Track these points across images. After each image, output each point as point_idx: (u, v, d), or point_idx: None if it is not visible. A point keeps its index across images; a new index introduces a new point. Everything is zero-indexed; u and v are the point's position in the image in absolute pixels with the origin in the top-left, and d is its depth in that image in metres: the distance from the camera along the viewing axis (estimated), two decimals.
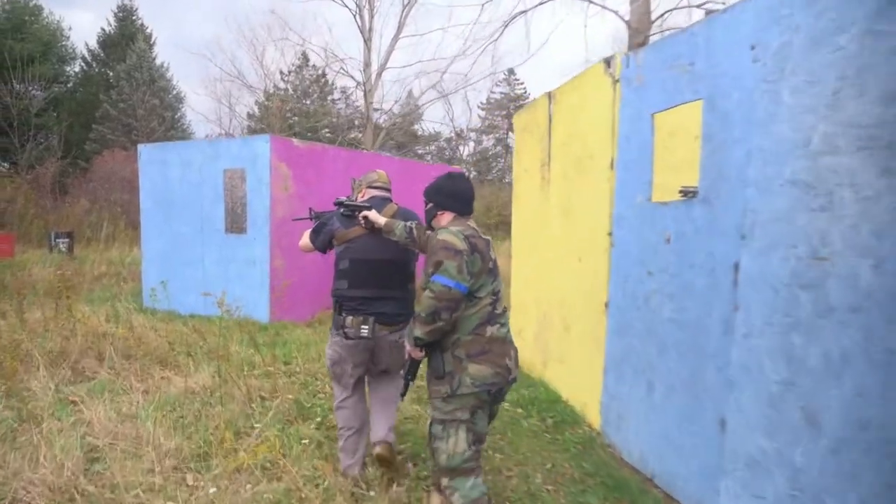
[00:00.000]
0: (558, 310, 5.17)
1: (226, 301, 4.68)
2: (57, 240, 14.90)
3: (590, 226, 4.54)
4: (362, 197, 3.76)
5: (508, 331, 2.90)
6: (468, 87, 13.01)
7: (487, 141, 44.34)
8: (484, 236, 2.91)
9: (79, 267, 12.37)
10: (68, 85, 33.37)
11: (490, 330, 2.76)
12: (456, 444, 2.75)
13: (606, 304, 4.24)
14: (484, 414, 2.84)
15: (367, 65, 12.48)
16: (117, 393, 4.58)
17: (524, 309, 6.15)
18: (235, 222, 8.40)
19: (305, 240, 3.77)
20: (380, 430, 3.45)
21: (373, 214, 3.31)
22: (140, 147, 9.35)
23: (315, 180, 8.70)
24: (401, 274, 3.40)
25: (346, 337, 3.28)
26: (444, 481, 2.81)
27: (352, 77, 12.66)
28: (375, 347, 3.33)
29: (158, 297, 8.60)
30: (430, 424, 2.87)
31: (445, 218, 2.96)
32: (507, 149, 44.87)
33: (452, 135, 34.48)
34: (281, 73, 33.91)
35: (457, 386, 2.72)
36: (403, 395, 3.07)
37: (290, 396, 4.72)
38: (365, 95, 12.63)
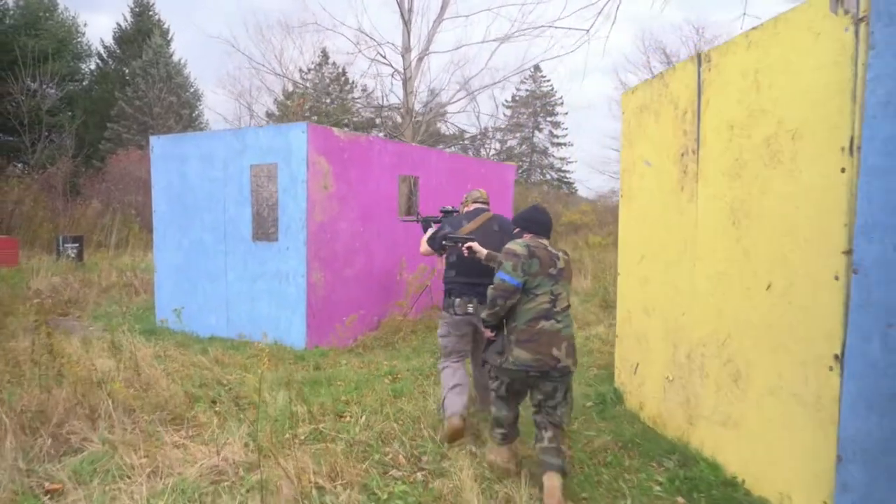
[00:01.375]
0: (716, 351, 3.75)
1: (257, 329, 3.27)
2: (65, 245, 13.69)
3: (794, 238, 3.11)
4: (468, 209, 4.80)
5: (566, 326, 3.56)
6: (496, 84, 11.70)
7: (512, 140, 42.87)
8: (551, 250, 3.65)
9: (86, 276, 11.11)
10: (83, 83, 32.43)
11: (544, 324, 3.46)
12: (497, 386, 3.70)
13: (840, 358, 2.81)
14: (523, 385, 3.61)
15: (407, 49, 11.16)
16: (112, 476, 3.23)
17: (642, 341, 4.74)
18: (264, 228, 7.07)
19: (425, 245, 4.76)
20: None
21: (476, 246, 4.19)
22: (153, 139, 8.04)
23: (360, 178, 7.34)
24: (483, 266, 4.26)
25: (455, 313, 4.39)
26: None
27: (389, 64, 11.42)
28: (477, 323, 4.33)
29: (172, 319, 7.29)
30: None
31: (526, 237, 3.75)
32: (534, 147, 43.39)
33: (478, 133, 33.03)
34: (300, 70, 32.72)
35: (503, 362, 3.50)
36: (484, 365, 4.11)
37: (358, 478, 3.35)
38: (404, 84, 11.33)
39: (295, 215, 6.75)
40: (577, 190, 43.34)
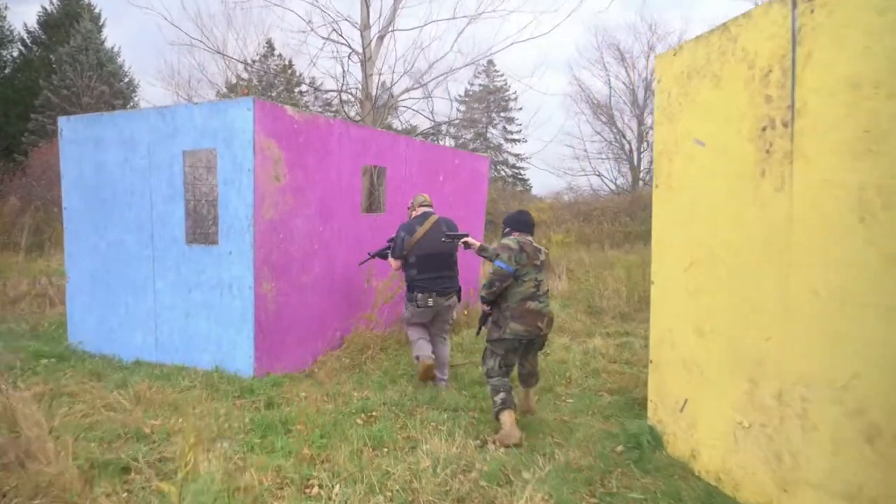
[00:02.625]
0: (832, 395, 2.73)
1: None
2: None
3: None
4: (416, 214, 5.71)
5: (546, 305, 4.61)
6: (453, 72, 10.55)
7: (466, 135, 41.88)
8: (536, 245, 4.66)
9: None
10: (5, 70, 29.75)
11: (531, 304, 4.49)
12: (493, 365, 4.55)
13: None
14: (514, 354, 4.58)
15: (367, 26, 9.88)
16: None
17: (692, 370, 3.71)
18: (202, 228, 5.77)
19: (395, 262, 5.63)
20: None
21: (470, 240, 4.96)
22: (61, 121, 6.59)
23: (318, 167, 6.11)
24: (449, 261, 5.53)
25: (417, 306, 5.40)
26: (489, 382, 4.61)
27: (346, 43, 10.11)
28: (438, 310, 5.48)
29: (88, 338, 5.92)
30: (483, 353, 4.78)
31: (514, 235, 4.69)
32: (488, 143, 42.52)
33: (431, 127, 31.87)
34: (245, 63, 30.86)
35: (502, 333, 4.51)
36: (478, 332, 5.12)
37: None
38: (363, 65, 10.08)
39: (239, 212, 5.48)
40: (531, 187, 42.74)
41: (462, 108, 40.94)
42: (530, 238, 4.65)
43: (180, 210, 5.84)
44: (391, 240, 5.68)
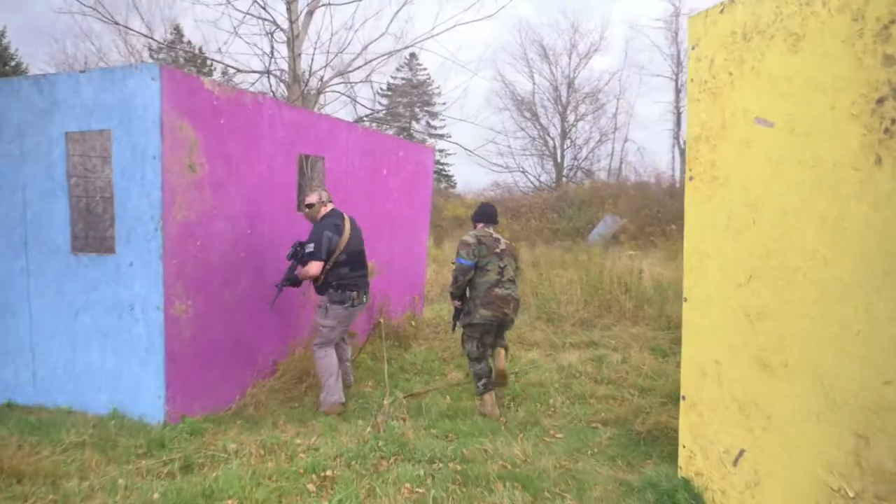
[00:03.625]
0: None
1: None
2: None
3: None
4: (325, 211, 5.05)
5: (512, 291, 4.95)
6: (378, 59, 9.53)
7: (389, 130, 40.68)
8: (495, 235, 5.01)
9: None
10: None
11: (497, 290, 4.84)
12: (471, 347, 4.96)
13: None
14: (489, 335, 4.98)
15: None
16: None
17: (751, 413, 2.89)
18: (95, 233, 4.52)
19: (315, 265, 4.78)
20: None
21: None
22: None
23: (244, 156, 4.96)
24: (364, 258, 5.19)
25: (352, 305, 4.94)
26: (469, 364, 5.06)
27: (271, 19, 8.80)
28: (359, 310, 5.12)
29: None
30: (462, 338, 5.18)
31: (478, 226, 5.11)
32: (411, 138, 41.50)
33: (354, 121, 30.53)
34: (150, 50, 28.39)
35: (472, 319, 4.92)
36: (454, 329, 5.61)
37: None
38: (290, 43, 8.83)
39: (142, 212, 4.27)
40: (456, 184, 42.12)
41: (384, 101, 39.75)
42: (490, 229, 5.07)
43: (63, 209, 4.54)
44: (295, 253, 4.97)
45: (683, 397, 3.37)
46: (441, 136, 42.24)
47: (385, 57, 10.12)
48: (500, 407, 4.88)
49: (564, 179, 36.67)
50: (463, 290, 5.03)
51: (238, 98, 4.91)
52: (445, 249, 16.01)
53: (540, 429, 4.45)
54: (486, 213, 5.18)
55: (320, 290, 4.96)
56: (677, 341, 6.98)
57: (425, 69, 41.32)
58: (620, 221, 23.74)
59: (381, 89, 40.78)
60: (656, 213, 23.86)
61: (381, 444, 3.95)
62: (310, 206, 4.98)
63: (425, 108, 42.15)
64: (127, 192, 4.33)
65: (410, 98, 41.27)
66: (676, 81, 35.42)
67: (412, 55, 39.52)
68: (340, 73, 9.86)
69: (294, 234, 5.64)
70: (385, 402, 4.65)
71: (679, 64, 35.22)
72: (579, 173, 38.14)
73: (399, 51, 9.89)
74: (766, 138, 2.81)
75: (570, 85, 39.01)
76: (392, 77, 40.88)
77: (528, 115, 38.94)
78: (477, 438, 4.17)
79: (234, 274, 4.88)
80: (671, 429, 4.15)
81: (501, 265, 4.88)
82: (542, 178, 38.39)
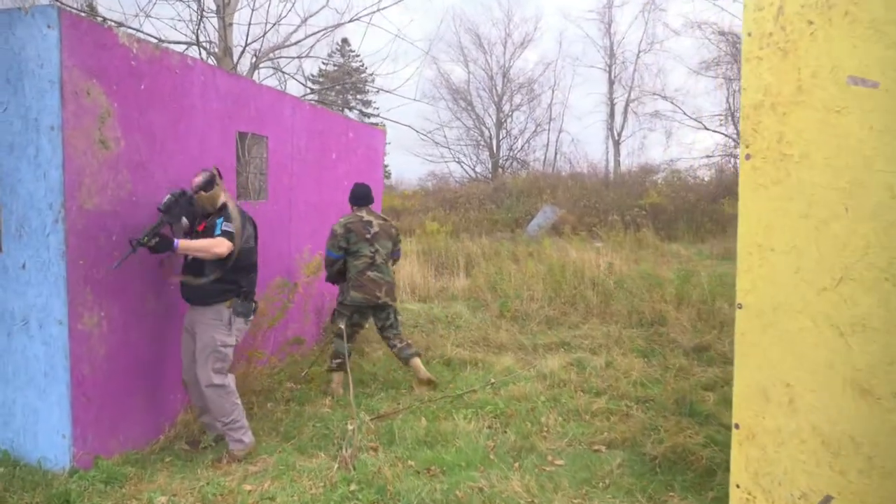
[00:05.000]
0: None
1: None
2: None
3: None
4: (223, 201, 3.86)
5: (386, 274, 5.03)
6: (306, 40, 8.59)
7: None
8: (366, 219, 5.05)
9: None
10: None
11: (370, 273, 4.94)
12: (339, 324, 4.93)
13: None
14: (361, 316, 5.14)
15: None
16: None
17: (844, 453, 2.31)
18: None
19: (224, 243, 3.61)
20: None
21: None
22: None
23: (172, 130, 4.04)
24: None
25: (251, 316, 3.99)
26: (333, 341, 5.14)
27: None
28: None
29: None
30: (333, 314, 5.47)
31: (353, 210, 5.20)
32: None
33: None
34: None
35: (344, 300, 5.05)
36: (332, 320, 5.60)
37: None
38: (220, 10, 7.76)
39: (38, 198, 3.31)
40: (390, 174, 41.13)
41: (315, 87, 38.23)
42: (362, 213, 5.12)
43: None
44: (174, 204, 3.69)
45: (737, 426, 2.76)
46: (374, 125, 41.11)
47: (329, 30, 9.18)
48: (487, 428, 4.19)
49: (500, 170, 36.39)
50: (335, 277, 5.17)
51: (163, 59, 3.97)
52: None
53: (537, 455, 3.78)
54: (358, 195, 5.20)
55: (205, 293, 3.70)
56: (657, 340, 6.53)
57: (358, 56, 40.04)
58: (559, 212, 23.55)
59: (313, 75, 39.28)
60: (594, 204, 23.85)
61: (353, 488, 3.18)
62: (205, 187, 3.71)
63: (358, 97, 40.91)
64: (16, 172, 3.35)
65: (343, 85, 39.90)
66: (610, 73, 35.68)
67: (344, 40, 38.20)
68: (277, 48, 8.86)
69: None
70: (350, 427, 3.87)
71: (612, 55, 35.50)
72: (515, 164, 37.99)
73: (342, 24, 8.99)
74: (866, 102, 2.21)
75: (504, 75, 38.72)
76: (324, 62, 39.41)
77: (463, 104, 38.42)
78: (466, 472, 3.46)
79: (160, 277, 3.96)
80: (691, 452, 3.57)
81: (372, 250, 4.96)
82: (477, 169, 38.00)
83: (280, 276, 5.04)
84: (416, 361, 5.04)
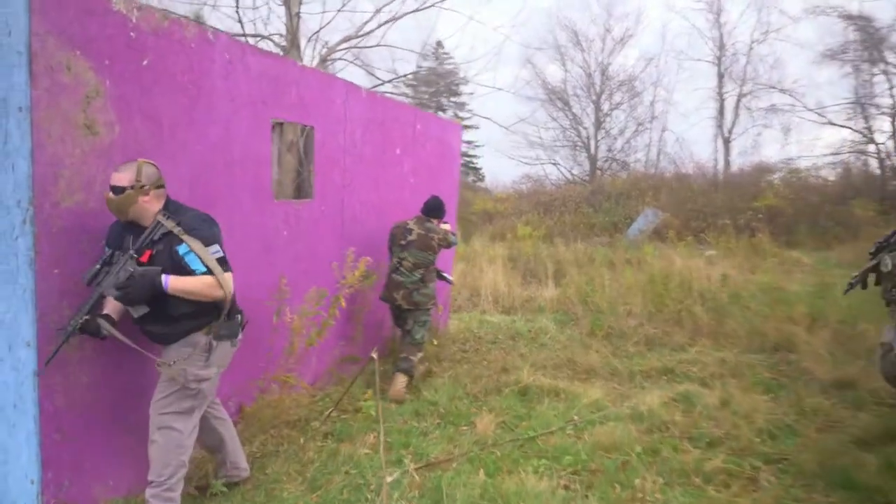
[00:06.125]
0: None
1: None
2: None
3: None
4: (157, 206, 2.85)
5: (407, 279, 5.02)
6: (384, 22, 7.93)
7: None
8: (409, 227, 5.13)
9: None
10: None
11: (394, 276, 5.07)
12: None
13: None
14: (395, 318, 5.29)
15: None
16: None
17: None
18: None
19: (221, 289, 2.79)
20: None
21: None
22: None
23: (186, 117, 3.41)
24: None
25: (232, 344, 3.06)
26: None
27: None
28: None
29: None
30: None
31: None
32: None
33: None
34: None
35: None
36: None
37: None
38: (287, 1, 7.31)
39: (5, 194, 2.73)
40: (484, 176, 40.43)
41: (409, 91, 38.18)
42: (409, 221, 5.20)
43: None
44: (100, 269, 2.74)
45: None
46: (468, 128, 40.65)
47: (402, 16, 8.51)
48: (563, 489, 3.25)
49: (599, 172, 34.74)
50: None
51: (172, 31, 3.34)
52: (476, 246, 14.41)
53: None
54: (426, 206, 5.30)
55: (175, 332, 2.86)
56: (785, 371, 5.29)
57: (451, 58, 39.61)
58: (662, 215, 21.90)
59: (407, 78, 39.25)
60: (701, 207, 21.94)
61: None
62: (121, 189, 2.73)
63: (451, 99, 40.50)
64: None
65: (437, 88, 39.64)
66: (719, 66, 33.13)
67: (438, 43, 37.87)
68: (351, 38, 8.29)
69: (266, 230, 4.09)
70: (385, 479, 3.06)
71: (721, 47, 32.97)
72: (614, 165, 36.17)
73: (419, 10, 8.29)
74: None
75: (604, 72, 37.00)
76: (417, 66, 39.30)
77: (559, 104, 37.05)
78: None
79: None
80: None
81: (401, 256, 5.07)
82: (574, 171, 36.50)
83: (318, 287, 4.33)
84: (399, 377, 4.88)
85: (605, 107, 36.83)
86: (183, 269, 2.71)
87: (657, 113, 35.74)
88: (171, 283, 2.67)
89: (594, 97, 37.02)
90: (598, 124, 36.67)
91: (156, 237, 2.74)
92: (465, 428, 4.15)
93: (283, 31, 7.61)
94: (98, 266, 2.68)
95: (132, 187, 2.72)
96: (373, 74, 10.04)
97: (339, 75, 8.22)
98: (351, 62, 8.97)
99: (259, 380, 3.91)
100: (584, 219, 24.24)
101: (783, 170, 26.04)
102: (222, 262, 2.78)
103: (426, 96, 39.43)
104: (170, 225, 2.73)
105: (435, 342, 6.19)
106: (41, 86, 2.69)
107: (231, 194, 3.77)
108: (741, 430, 3.90)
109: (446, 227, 5.34)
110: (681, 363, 5.60)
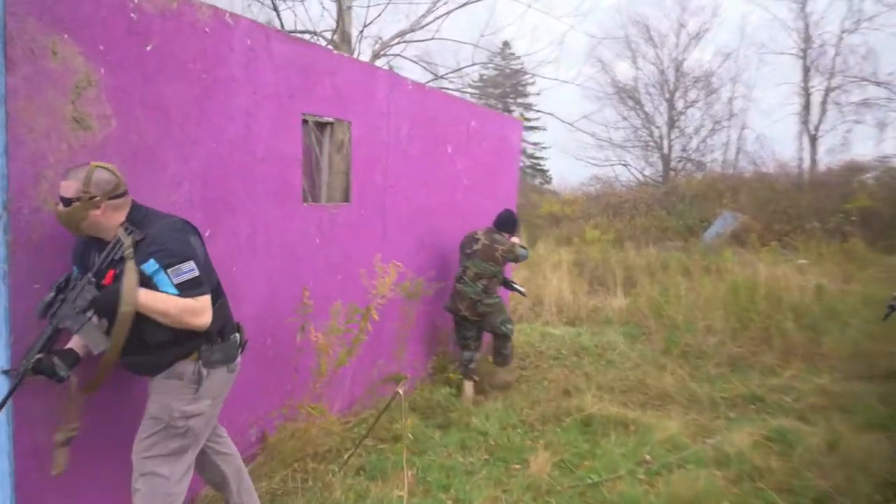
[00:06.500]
0: None
1: None
2: None
3: None
4: (118, 218, 2.36)
5: (470, 289, 4.91)
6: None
7: None
8: (476, 237, 5.06)
9: None
10: None
11: (457, 286, 5.01)
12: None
13: None
14: (461, 327, 5.12)
15: None
16: None
17: None
18: None
19: (200, 316, 2.34)
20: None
21: None
22: None
23: (195, 108, 3.00)
24: None
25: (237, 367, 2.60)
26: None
27: None
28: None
29: None
30: None
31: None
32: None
33: None
34: None
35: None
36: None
37: None
38: None
39: None
40: (551, 178, 39.48)
41: (476, 93, 37.71)
42: (479, 230, 5.14)
43: None
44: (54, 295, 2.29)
45: None
46: (535, 129, 39.84)
47: (462, 6, 8.00)
48: None
49: (672, 172, 33.23)
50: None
51: (182, 14, 2.95)
52: (540, 251, 13.75)
53: None
54: (497, 219, 5.23)
55: (158, 362, 2.41)
56: None
57: (519, 59, 38.89)
58: (741, 218, 20.56)
59: (473, 81, 38.79)
60: (785, 209, 20.43)
61: None
62: (68, 201, 2.25)
63: (518, 101, 39.78)
64: None
65: (503, 89, 39.02)
66: (804, 60, 31.05)
67: (505, 43, 37.22)
68: (405, 33, 7.87)
69: (293, 237, 3.66)
70: None
71: (807, 39, 30.89)
72: (689, 165, 34.51)
73: (469, 3, 7.76)
74: None
75: (678, 69, 35.39)
76: (484, 68, 38.80)
77: (630, 103, 35.70)
78: None
79: None
80: None
81: (465, 265, 5.04)
82: (646, 172, 35.05)
83: (353, 299, 3.87)
84: (497, 370, 5.29)
85: (680, 105, 35.21)
86: (153, 290, 2.28)
87: (736, 110, 33.78)
88: (143, 297, 2.23)
89: (667, 95, 35.48)
90: (672, 123, 35.11)
91: (116, 256, 2.29)
92: (517, 467, 3.60)
93: (334, 28, 7.27)
94: (52, 294, 2.25)
95: (79, 199, 2.24)
96: (433, 73, 9.60)
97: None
98: (409, 59, 8.55)
99: (283, 406, 3.49)
100: (657, 222, 23.10)
101: (878, 168, 24.00)
102: (195, 283, 2.30)
103: (493, 98, 38.96)
104: (129, 242, 2.29)
105: (490, 359, 5.67)
106: (20, 73, 2.33)
107: (251, 197, 3.36)
108: (856, 483, 3.18)
109: (515, 240, 5.17)
110: (772, 390, 4.85)
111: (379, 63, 7.78)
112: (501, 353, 5.26)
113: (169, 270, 2.26)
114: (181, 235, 2.36)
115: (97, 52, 2.57)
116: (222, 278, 3.12)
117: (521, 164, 39.49)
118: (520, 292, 5.67)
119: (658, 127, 35.55)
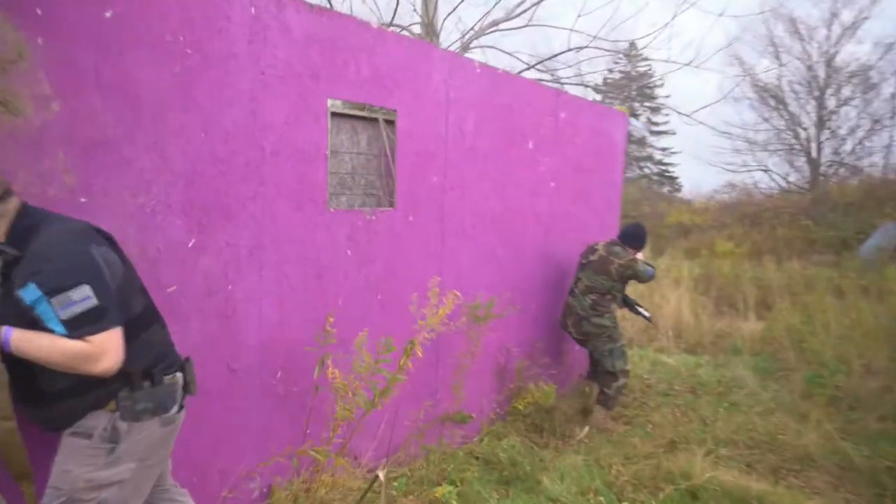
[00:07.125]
0: None
1: None
2: None
3: None
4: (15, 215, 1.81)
5: (579, 304, 4.56)
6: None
7: None
8: (595, 248, 4.69)
9: None
10: None
11: (568, 299, 4.71)
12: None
13: None
14: (581, 343, 4.78)
15: None
16: None
17: None
18: None
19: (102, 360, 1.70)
20: None
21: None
22: None
23: (176, 91, 2.42)
24: None
25: (180, 408, 1.98)
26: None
27: None
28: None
29: None
30: None
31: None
32: (629, 136, 37.39)
33: None
34: None
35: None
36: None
37: None
38: None
39: None
40: (681, 186, 37.01)
41: (599, 97, 36.18)
42: (600, 241, 4.80)
43: None
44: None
45: None
46: (664, 133, 37.61)
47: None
48: None
49: (822, 178, 29.86)
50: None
51: None
52: (661, 264, 12.43)
53: None
54: (623, 232, 4.89)
55: (63, 414, 1.81)
56: None
57: (646, 61, 36.88)
58: None
59: (597, 85, 37.24)
60: None
61: None
62: None
63: (645, 104, 37.72)
64: None
65: (629, 92, 37.15)
66: None
67: (631, 44, 35.42)
68: (495, 24, 7.12)
69: (317, 249, 3.01)
70: None
71: None
72: (842, 170, 30.87)
73: None
74: None
75: (829, 63, 31.85)
76: (609, 70, 37.19)
77: (772, 102, 32.59)
78: None
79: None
80: None
81: (580, 275, 4.70)
82: (790, 178, 31.77)
83: (387, 331, 3.16)
84: (597, 408, 4.63)
85: (831, 103, 31.61)
86: (37, 324, 1.67)
87: None
88: (16, 339, 1.64)
89: (816, 93, 32.03)
90: (822, 123, 31.59)
91: None
92: None
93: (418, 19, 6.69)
94: None
95: None
96: (537, 67, 8.73)
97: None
98: (509, 53, 7.74)
99: (293, 456, 2.84)
100: (802, 233, 20.66)
101: None
102: (92, 316, 1.68)
103: (618, 101, 37.23)
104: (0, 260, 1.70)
105: (587, 389, 4.80)
106: None
107: (256, 200, 2.75)
108: None
109: (640, 257, 4.75)
110: None
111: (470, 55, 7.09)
112: (604, 392, 4.63)
113: (53, 300, 1.64)
114: (76, 247, 1.74)
115: (33, 16, 2.06)
116: (213, 298, 2.52)
117: (649, 172, 37.38)
118: (645, 317, 5.01)
119: (805, 128, 32.12)
